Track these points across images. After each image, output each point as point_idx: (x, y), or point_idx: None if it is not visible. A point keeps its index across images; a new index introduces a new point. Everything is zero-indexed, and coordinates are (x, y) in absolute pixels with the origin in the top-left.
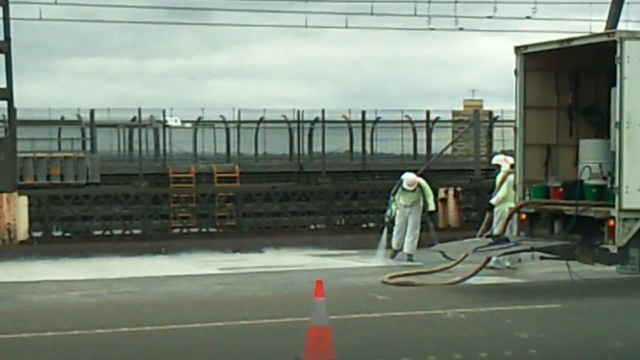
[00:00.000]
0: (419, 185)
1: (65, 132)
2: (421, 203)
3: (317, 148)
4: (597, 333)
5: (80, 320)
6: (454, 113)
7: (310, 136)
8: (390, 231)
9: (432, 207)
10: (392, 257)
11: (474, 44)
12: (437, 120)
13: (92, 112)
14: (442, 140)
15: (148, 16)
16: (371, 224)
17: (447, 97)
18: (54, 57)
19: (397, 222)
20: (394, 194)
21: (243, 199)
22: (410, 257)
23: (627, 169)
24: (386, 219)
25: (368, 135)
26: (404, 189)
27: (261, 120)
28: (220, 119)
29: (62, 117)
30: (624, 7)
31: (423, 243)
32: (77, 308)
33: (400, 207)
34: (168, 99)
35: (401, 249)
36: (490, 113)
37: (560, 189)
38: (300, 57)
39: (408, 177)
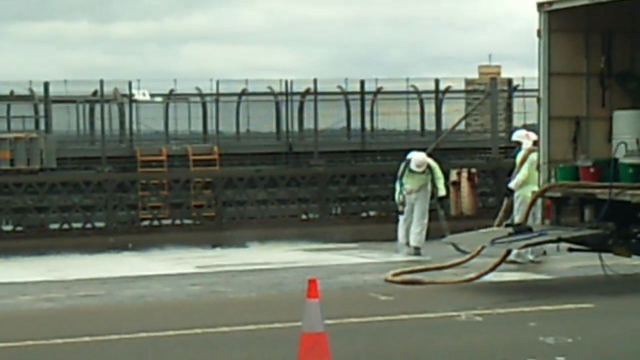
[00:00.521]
0: (429, 166)
1: (16, 109)
2: (429, 187)
3: (308, 124)
4: (635, 336)
5: (34, 328)
6: (468, 82)
7: (301, 111)
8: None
9: (442, 192)
10: (398, 251)
11: (491, 1)
12: (448, 90)
13: (46, 85)
14: (453, 114)
15: None
16: (372, 213)
17: (460, 63)
18: (0, 20)
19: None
20: (401, 177)
21: (223, 185)
22: (417, 251)
23: None
24: (400, 207)
25: (368, 108)
26: (411, 171)
27: (243, 93)
28: (196, 91)
29: (12, 92)
30: None
31: (432, 234)
32: (31, 315)
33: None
34: (135, 69)
35: (408, 242)
36: (509, 81)
37: (592, 170)
38: (289, 18)
39: (417, 157)
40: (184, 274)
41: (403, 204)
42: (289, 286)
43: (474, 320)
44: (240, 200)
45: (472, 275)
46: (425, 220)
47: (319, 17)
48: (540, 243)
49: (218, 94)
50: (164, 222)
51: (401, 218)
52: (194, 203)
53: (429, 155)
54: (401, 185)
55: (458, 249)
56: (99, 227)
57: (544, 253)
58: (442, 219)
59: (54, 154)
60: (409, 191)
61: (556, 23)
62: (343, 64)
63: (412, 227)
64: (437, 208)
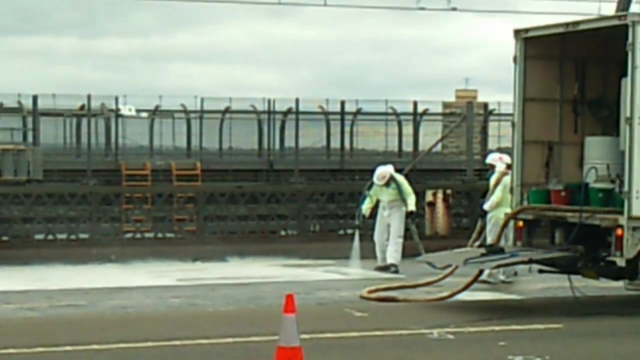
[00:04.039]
0: (395, 181)
1: (4, 121)
2: (403, 207)
3: (289, 143)
4: (601, 357)
5: (16, 337)
6: (445, 105)
7: (282, 129)
8: (361, 235)
9: (410, 207)
10: (388, 270)
11: (469, 27)
12: (425, 112)
13: (34, 99)
14: (430, 136)
15: None
16: (349, 230)
17: (438, 87)
18: None
19: (377, 228)
20: (368, 189)
21: (205, 200)
22: (395, 268)
23: (638, 170)
24: (356, 221)
25: (347, 128)
26: (378, 185)
27: (227, 110)
28: (181, 108)
29: (1, 104)
30: None
31: (407, 253)
32: (14, 323)
33: (379, 210)
34: (121, 85)
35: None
36: (485, 105)
37: (563, 193)
38: (272, 39)
39: (378, 170)
40: (165, 286)
41: (360, 218)
42: (267, 300)
43: (446, 337)
44: (221, 215)
45: (445, 293)
46: (401, 239)
47: (302, 39)
48: (511, 264)
49: (202, 111)
50: (147, 235)
51: (375, 236)
52: (176, 217)
53: (406, 176)
54: (366, 197)
55: (433, 266)
56: (83, 238)
57: (515, 274)
58: (414, 234)
59: (41, 166)
60: (382, 207)
61: (532, 50)
62: (325, 85)
63: (389, 245)
64: (408, 224)
